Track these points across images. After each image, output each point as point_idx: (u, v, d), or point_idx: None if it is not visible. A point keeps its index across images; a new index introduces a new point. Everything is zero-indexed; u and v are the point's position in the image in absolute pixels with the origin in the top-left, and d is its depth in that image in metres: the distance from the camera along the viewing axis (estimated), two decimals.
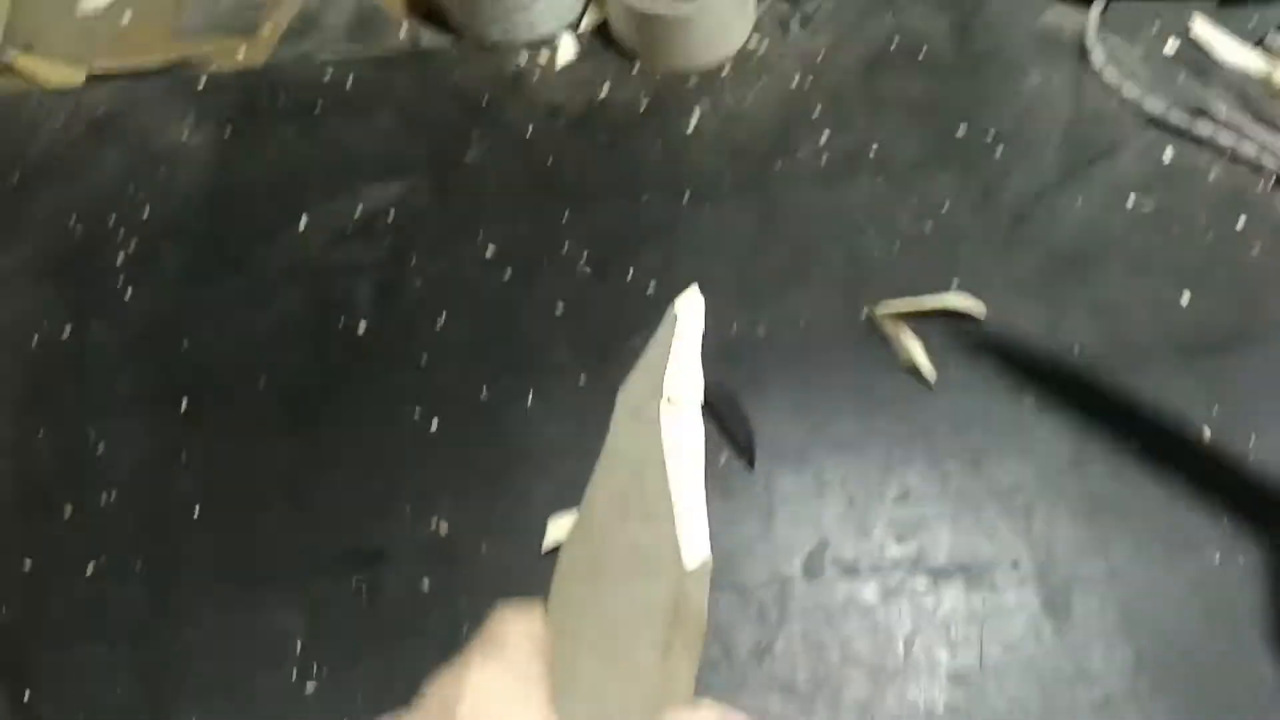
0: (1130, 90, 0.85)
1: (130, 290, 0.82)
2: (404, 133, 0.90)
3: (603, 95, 0.91)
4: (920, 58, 0.92)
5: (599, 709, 0.35)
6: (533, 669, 0.34)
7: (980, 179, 0.83)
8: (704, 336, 0.76)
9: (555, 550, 0.69)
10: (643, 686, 0.38)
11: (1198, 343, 0.75)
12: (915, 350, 0.74)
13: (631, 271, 0.81)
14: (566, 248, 0.82)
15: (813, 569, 0.68)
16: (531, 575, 0.69)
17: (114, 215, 0.87)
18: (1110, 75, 0.87)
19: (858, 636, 0.66)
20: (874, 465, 0.72)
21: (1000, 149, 0.85)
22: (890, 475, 0.71)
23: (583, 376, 0.76)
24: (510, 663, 0.33)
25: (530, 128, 0.89)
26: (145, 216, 0.86)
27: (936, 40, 0.93)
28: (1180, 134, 0.84)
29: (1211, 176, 0.82)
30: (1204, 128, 0.83)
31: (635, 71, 0.93)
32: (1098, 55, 0.88)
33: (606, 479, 0.38)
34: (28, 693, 0.66)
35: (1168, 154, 0.83)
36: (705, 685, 0.64)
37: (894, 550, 0.68)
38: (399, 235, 0.84)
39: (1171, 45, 0.90)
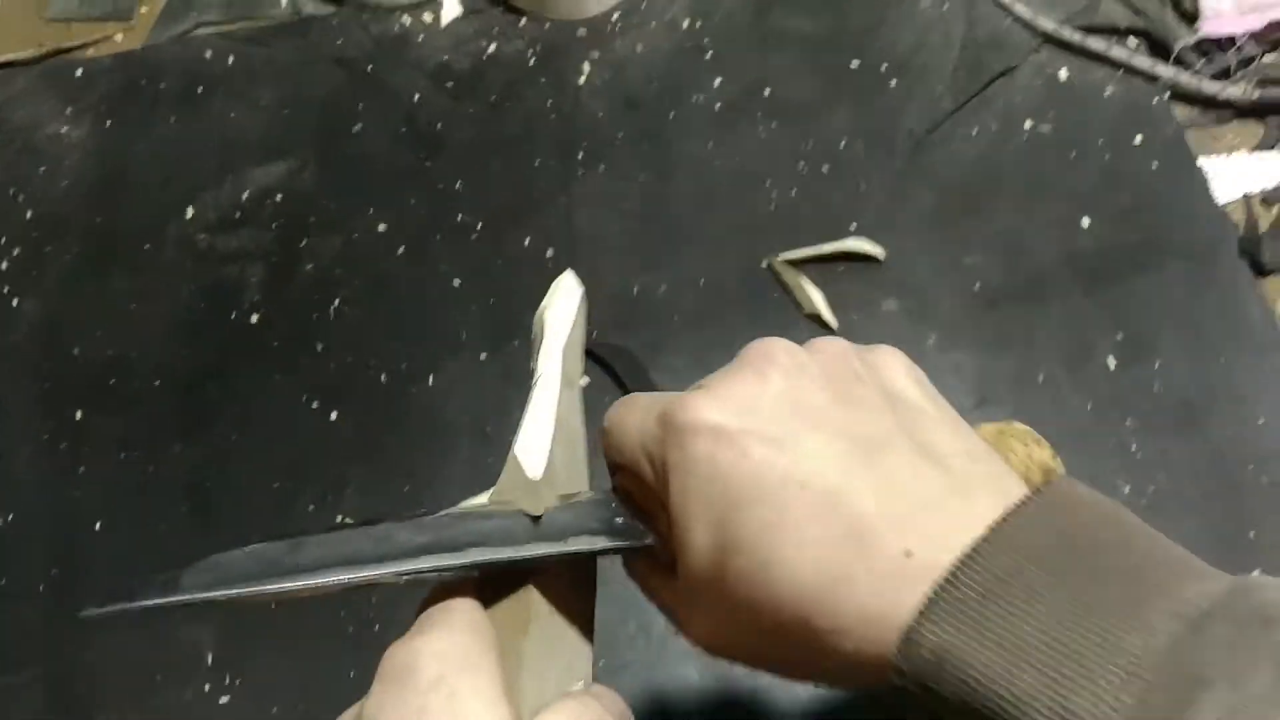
0: (1022, 9, 0.84)
1: (16, 298, 0.80)
2: (288, 109, 0.87)
3: (490, 52, 0.89)
4: None
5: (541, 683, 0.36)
6: (482, 637, 0.34)
7: (876, 114, 0.82)
8: (605, 300, 0.75)
9: None
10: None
11: (1100, 269, 0.74)
12: (816, 298, 0.73)
13: (528, 238, 0.79)
14: (460, 217, 0.80)
15: None
16: None
17: None
18: None
19: None
20: None
21: (894, 81, 0.83)
22: None
23: (483, 353, 0.75)
24: (462, 632, 0.33)
25: (416, 93, 0.87)
26: (28, 217, 0.84)
27: None
28: (1074, 50, 0.82)
29: (1107, 92, 0.81)
30: (1098, 42, 0.81)
31: (523, 24, 0.90)
32: None
33: (564, 454, 0.40)
34: None
35: (1063, 73, 0.82)
36: (623, 659, 0.64)
37: None
38: (288, 218, 0.82)
39: None
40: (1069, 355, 0.71)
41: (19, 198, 0.85)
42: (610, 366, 0.73)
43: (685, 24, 0.88)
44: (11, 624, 0.69)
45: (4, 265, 0.82)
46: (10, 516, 0.72)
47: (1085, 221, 0.76)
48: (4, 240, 0.83)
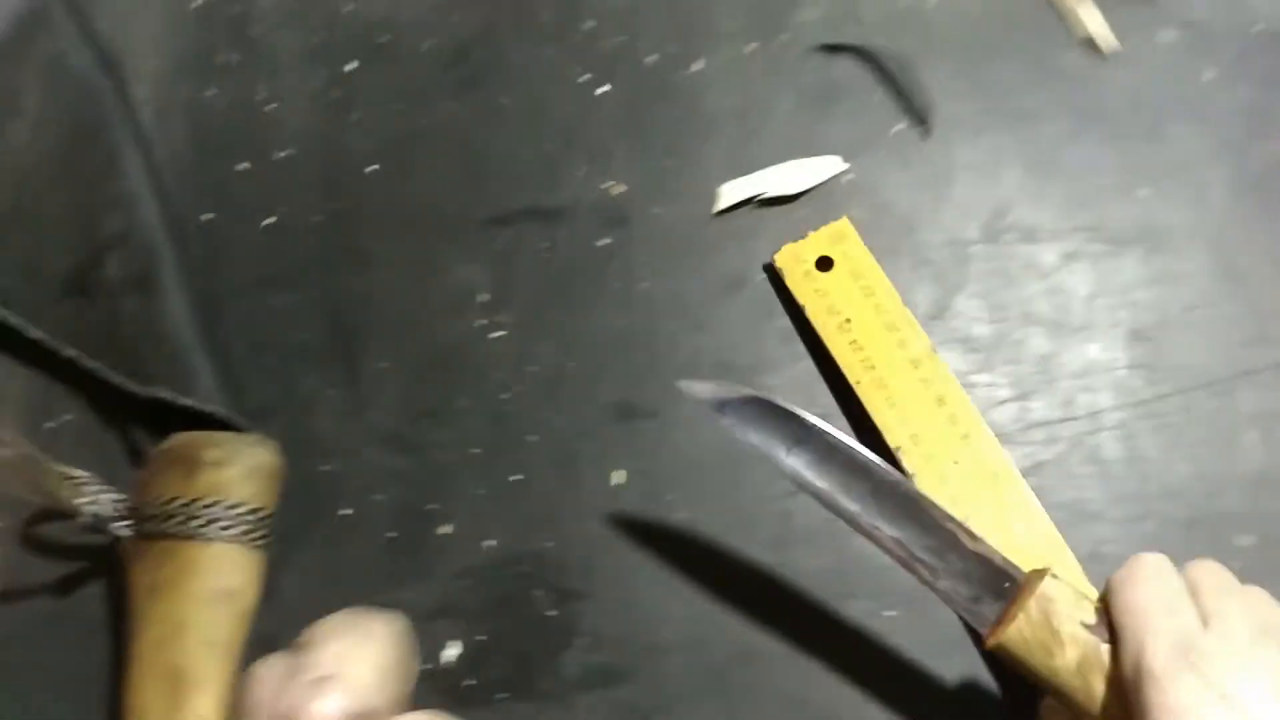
0: None
1: None
2: None
3: None
4: None
5: None
6: None
7: None
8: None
9: (725, 212, 0.70)
10: None
11: None
12: (1093, 20, 0.73)
13: None
14: None
15: (991, 233, 0.69)
16: (702, 236, 0.70)
17: None
18: None
19: (1037, 296, 0.67)
20: (1050, 137, 0.72)
21: None
22: (1068, 146, 0.71)
23: (750, 45, 0.75)
24: None
25: None
26: None
27: None
28: None
29: None
30: None
31: None
32: None
33: None
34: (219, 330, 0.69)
35: None
36: None
37: (1072, 217, 0.69)
38: None
39: None
40: None
41: None
42: (885, 69, 0.73)
43: None
44: (291, 248, 0.71)
45: None
46: (285, 151, 0.74)
47: None
48: None
